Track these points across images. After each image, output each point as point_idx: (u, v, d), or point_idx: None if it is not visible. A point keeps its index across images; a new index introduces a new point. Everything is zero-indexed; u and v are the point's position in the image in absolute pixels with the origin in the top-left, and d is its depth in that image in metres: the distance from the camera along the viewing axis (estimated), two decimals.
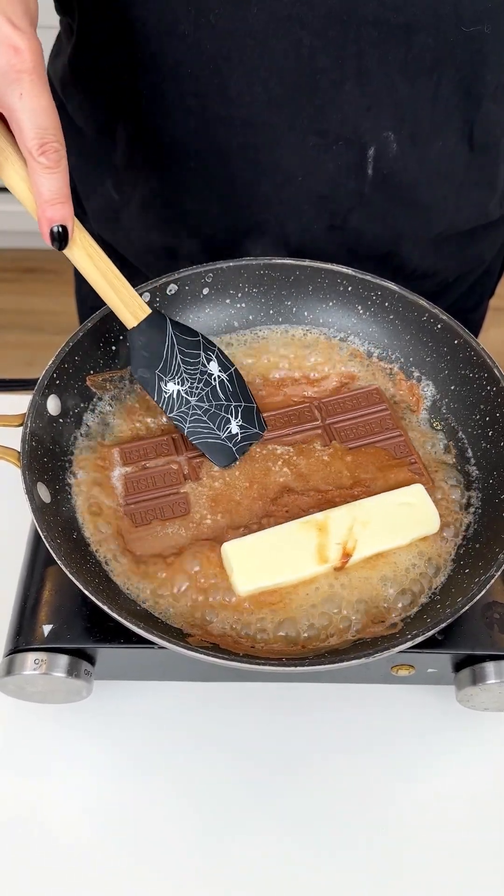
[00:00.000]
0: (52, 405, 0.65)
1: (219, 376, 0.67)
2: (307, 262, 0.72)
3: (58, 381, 0.65)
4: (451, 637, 0.62)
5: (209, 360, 0.67)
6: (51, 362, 0.65)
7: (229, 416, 0.67)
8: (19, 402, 0.66)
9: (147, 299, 0.71)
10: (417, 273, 0.83)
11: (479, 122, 0.69)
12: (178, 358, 0.66)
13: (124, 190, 0.80)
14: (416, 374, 0.72)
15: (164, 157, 0.73)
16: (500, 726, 0.69)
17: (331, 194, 0.73)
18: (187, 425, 0.66)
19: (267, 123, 0.68)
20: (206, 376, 0.67)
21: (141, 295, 0.70)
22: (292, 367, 0.72)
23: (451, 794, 0.66)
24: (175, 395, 0.66)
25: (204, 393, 0.67)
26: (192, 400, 0.66)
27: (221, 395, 0.67)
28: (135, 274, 0.90)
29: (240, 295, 0.74)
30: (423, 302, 0.70)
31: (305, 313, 0.74)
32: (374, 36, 0.62)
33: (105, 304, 0.67)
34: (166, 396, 0.66)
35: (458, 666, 0.64)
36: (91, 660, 0.63)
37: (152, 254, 0.83)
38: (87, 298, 1.09)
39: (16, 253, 2.27)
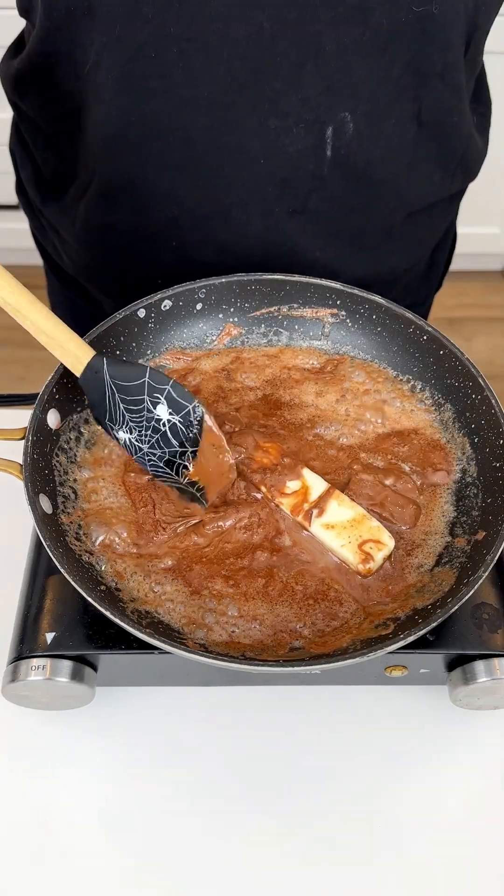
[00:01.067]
0: (52, 419, 0.67)
1: (169, 419, 0.63)
2: (297, 278, 0.75)
3: (57, 396, 0.67)
4: (442, 637, 0.64)
5: (155, 404, 0.63)
6: (50, 377, 0.67)
7: (186, 462, 0.64)
8: (17, 417, 0.68)
9: (142, 315, 0.73)
10: (373, 259, 0.85)
11: (426, 99, 0.73)
12: (121, 406, 0.63)
13: (84, 174, 0.81)
14: (409, 382, 0.74)
15: (129, 140, 0.75)
16: (494, 725, 0.71)
17: (292, 177, 0.75)
18: (150, 470, 0.64)
19: (230, 104, 0.70)
20: (153, 422, 0.64)
21: (136, 311, 0.73)
22: (289, 379, 0.74)
23: (447, 793, 0.68)
24: (128, 443, 0.64)
25: (154, 440, 0.64)
26: (144, 447, 0.64)
27: (174, 440, 0.64)
28: (99, 273, 0.92)
29: (232, 310, 0.76)
30: (409, 314, 0.73)
31: (296, 326, 0.77)
32: (331, 17, 0.65)
33: (96, 316, 0.70)
34: (122, 443, 0.64)
35: (450, 666, 0.66)
36: (93, 666, 0.65)
37: (114, 235, 0.84)
38: (56, 303, 1.11)
39: (9, 270, 2.29)
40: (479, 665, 0.64)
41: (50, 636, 0.64)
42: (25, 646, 0.63)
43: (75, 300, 1.04)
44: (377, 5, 0.65)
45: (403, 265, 0.91)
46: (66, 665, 0.63)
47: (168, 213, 0.80)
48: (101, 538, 0.65)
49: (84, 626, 0.64)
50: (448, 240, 1.02)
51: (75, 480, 0.67)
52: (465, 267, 2.17)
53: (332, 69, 0.68)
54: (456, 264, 1.09)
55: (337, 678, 0.70)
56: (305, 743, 0.70)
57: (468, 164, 0.86)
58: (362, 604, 0.63)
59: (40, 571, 0.67)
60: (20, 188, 1.00)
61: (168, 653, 0.62)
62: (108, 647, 0.63)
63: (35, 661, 0.63)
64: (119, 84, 0.70)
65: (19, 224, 2.09)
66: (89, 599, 0.56)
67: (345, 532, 0.65)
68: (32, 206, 0.98)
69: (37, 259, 1.09)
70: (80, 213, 0.85)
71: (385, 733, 0.70)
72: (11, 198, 1.93)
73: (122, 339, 0.72)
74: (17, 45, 0.85)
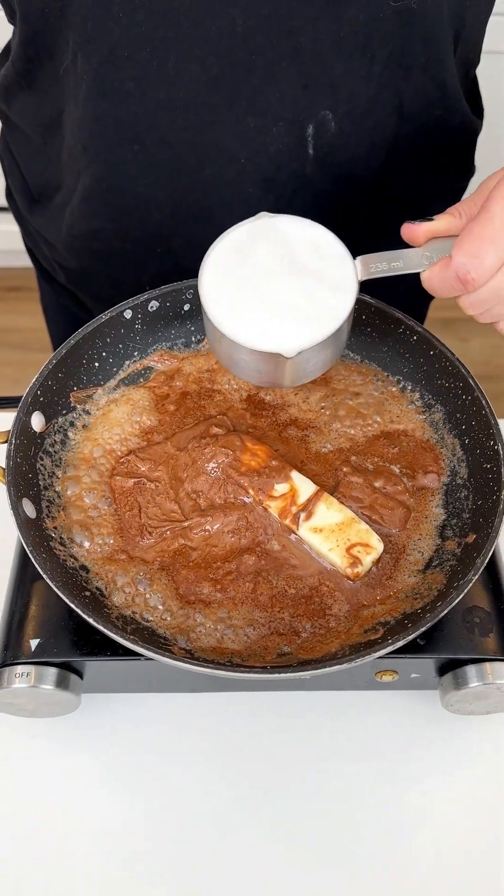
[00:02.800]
0: (37, 421, 0.66)
1: None
2: None
3: (42, 399, 0.66)
4: (433, 641, 0.64)
5: None
6: (34, 379, 0.66)
7: None
8: (4, 420, 0.67)
9: (129, 316, 0.72)
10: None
11: (407, 93, 0.72)
12: None
13: (69, 180, 0.81)
14: (399, 383, 0.73)
15: (107, 144, 0.74)
16: (486, 730, 0.70)
17: (274, 176, 0.74)
18: None
19: (206, 104, 0.69)
20: None
21: (123, 312, 0.72)
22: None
23: (440, 799, 0.67)
24: None
25: None
26: None
27: None
28: (86, 281, 0.91)
29: None
30: (398, 314, 0.72)
31: None
32: (306, 13, 0.64)
33: (87, 321, 0.69)
34: None
35: (442, 670, 0.65)
36: (79, 673, 0.64)
37: (99, 241, 0.83)
38: (48, 308, 1.10)
39: (1, 272, 2.28)
40: (471, 669, 0.63)
41: (34, 643, 0.63)
42: (9, 652, 0.62)
43: (67, 306, 1.03)
44: (354, 1, 0.64)
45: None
46: (52, 672, 0.62)
47: (151, 217, 0.79)
48: (86, 543, 0.64)
49: (69, 632, 0.63)
50: None
51: (60, 484, 0.66)
52: None
53: (309, 66, 0.67)
54: None
55: (327, 683, 0.69)
56: (295, 750, 0.69)
57: (456, 159, 0.85)
58: (351, 608, 0.62)
59: (26, 577, 0.66)
60: (9, 194, 0.99)
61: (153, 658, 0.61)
62: (94, 653, 0.62)
63: (19, 668, 0.62)
64: (93, 87, 0.69)
65: (12, 226, 2.09)
66: (72, 605, 0.56)
67: (333, 535, 0.64)
68: (21, 213, 0.97)
69: (26, 261, 1.08)
70: (66, 219, 0.84)
71: (376, 739, 0.69)
72: (3, 201, 1.93)
73: (108, 340, 0.72)
74: (5, 54, 0.84)
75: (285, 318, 0.57)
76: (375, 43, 0.67)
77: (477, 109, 0.88)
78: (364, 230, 0.83)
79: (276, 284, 0.58)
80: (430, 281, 0.56)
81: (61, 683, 0.62)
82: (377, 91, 0.70)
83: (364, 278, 0.57)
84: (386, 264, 0.57)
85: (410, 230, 0.57)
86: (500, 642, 0.64)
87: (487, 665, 0.63)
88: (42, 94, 0.76)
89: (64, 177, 0.82)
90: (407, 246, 0.58)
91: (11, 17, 0.75)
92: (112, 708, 0.70)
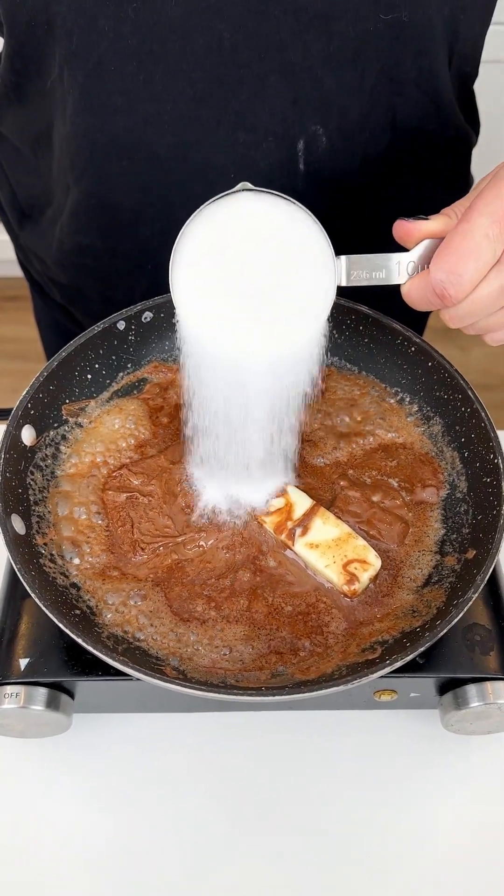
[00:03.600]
0: (27, 435, 0.65)
1: None
2: None
3: (33, 412, 0.65)
4: (432, 660, 0.62)
5: None
6: (25, 392, 0.65)
7: None
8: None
9: (122, 327, 0.71)
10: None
11: (401, 107, 0.70)
12: None
13: (59, 195, 0.80)
14: (397, 395, 0.72)
15: (95, 159, 0.73)
16: (486, 750, 0.68)
17: None
18: None
19: (195, 118, 0.68)
20: None
21: (116, 323, 0.71)
22: None
23: (441, 821, 0.65)
24: None
25: None
26: None
27: None
28: (77, 296, 0.90)
29: None
30: (396, 325, 0.70)
31: None
32: (294, 27, 0.63)
33: (79, 332, 0.68)
34: None
35: (442, 689, 0.63)
36: (70, 693, 0.63)
37: (89, 257, 0.82)
38: (41, 321, 1.09)
39: None
40: (472, 689, 0.61)
41: (24, 662, 0.61)
42: None
43: (60, 321, 1.02)
44: (342, 14, 0.63)
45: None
46: (42, 692, 0.61)
47: (140, 233, 0.78)
48: (77, 560, 0.63)
49: (60, 651, 0.62)
50: None
51: (51, 499, 0.65)
52: None
53: (298, 81, 0.66)
54: None
55: (324, 703, 0.67)
56: (292, 771, 0.67)
57: (451, 174, 0.84)
58: (348, 626, 0.61)
59: (16, 594, 0.65)
60: (0, 208, 0.98)
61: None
62: (85, 673, 0.61)
63: (8, 689, 0.60)
64: (81, 101, 0.69)
65: (5, 236, 2.09)
66: (61, 626, 0.54)
67: (329, 552, 0.62)
68: (12, 228, 0.96)
69: (20, 271, 1.07)
70: (56, 235, 0.83)
71: (375, 760, 0.68)
72: None
73: (101, 351, 0.70)
74: None
75: (255, 328, 0.54)
76: (366, 57, 0.66)
77: (473, 122, 0.87)
78: (358, 245, 0.82)
79: (249, 289, 0.54)
80: (409, 294, 0.55)
81: (52, 704, 0.61)
82: (369, 105, 0.69)
83: (344, 285, 0.55)
84: (367, 273, 0.55)
85: (404, 229, 0.55)
86: (501, 661, 0.62)
87: (488, 684, 0.61)
88: (31, 107, 0.75)
89: (54, 192, 0.81)
90: (399, 248, 0.55)
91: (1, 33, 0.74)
92: (104, 728, 0.68)
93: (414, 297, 0.54)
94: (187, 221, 0.55)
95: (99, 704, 0.66)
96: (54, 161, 0.77)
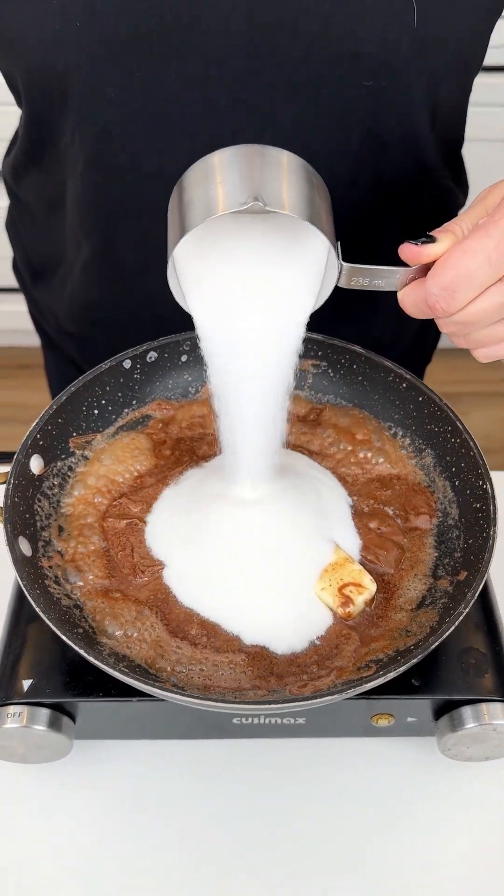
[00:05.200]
0: (35, 464, 0.68)
1: None
2: None
3: (41, 442, 0.68)
4: (428, 683, 0.63)
5: None
6: (35, 423, 0.68)
7: None
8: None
9: (128, 365, 0.75)
10: (357, 332, 0.85)
11: (387, 168, 0.74)
12: None
13: (70, 253, 0.84)
14: (391, 430, 0.75)
15: (103, 216, 0.77)
16: (485, 778, 0.68)
17: None
18: None
19: None
20: None
21: (122, 361, 0.74)
22: None
23: (441, 851, 0.65)
24: None
25: None
26: None
27: None
28: (87, 345, 0.94)
29: None
30: (388, 363, 0.74)
31: None
32: (283, 93, 0.67)
33: (84, 373, 0.71)
34: None
35: (438, 713, 0.64)
36: (71, 716, 0.64)
37: (98, 311, 0.86)
38: (52, 376, 1.13)
39: (11, 350, 2.35)
40: (467, 711, 0.62)
41: (27, 683, 0.63)
42: (2, 692, 0.62)
43: (71, 375, 1.06)
44: (327, 81, 0.67)
45: (389, 337, 0.92)
46: (44, 713, 0.62)
47: (145, 287, 0.81)
48: (80, 582, 0.65)
49: (62, 673, 0.63)
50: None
51: (56, 526, 0.67)
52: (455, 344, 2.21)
53: (289, 142, 0.69)
54: (447, 341, 1.09)
55: (322, 729, 0.68)
56: (292, 800, 0.67)
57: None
58: (343, 647, 0.62)
59: (21, 618, 0.66)
60: (15, 266, 1.03)
61: (145, 699, 0.61)
62: (86, 694, 0.62)
63: (11, 709, 0.62)
64: (90, 162, 0.73)
65: (22, 306, 2.16)
66: (65, 639, 0.56)
67: (326, 575, 0.64)
68: (26, 285, 1.01)
69: (35, 340, 1.12)
70: (67, 291, 0.88)
71: (374, 789, 0.68)
72: (9, 281, 2.00)
73: (107, 388, 0.74)
74: (15, 139, 0.90)
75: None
76: (352, 120, 0.70)
77: (460, 183, 0.91)
78: (353, 301, 0.85)
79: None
80: (403, 301, 0.56)
81: (53, 725, 0.62)
82: (356, 167, 0.73)
83: (343, 286, 0.57)
84: (368, 280, 0.57)
85: (412, 252, 0.55)
86: (496, 683, 0.63)
87: (484, 706, 0.62)
88: (47, 171, 0.80)
89: (66, 251, 0.86)
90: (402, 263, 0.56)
91: (19, 101, 0.80)
92: (104, 756, 0.69)
93: (407, 303, 0.56)
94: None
95: (99, 729, 0.66)
96: (67, 221, 0.82)
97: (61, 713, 0.63)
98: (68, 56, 0.65)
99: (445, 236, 0.54)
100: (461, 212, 0.56)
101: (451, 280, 0.52)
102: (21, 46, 0.66)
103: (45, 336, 1.06)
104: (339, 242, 0.56)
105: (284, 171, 0.53)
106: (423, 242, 0.54)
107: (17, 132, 0.86)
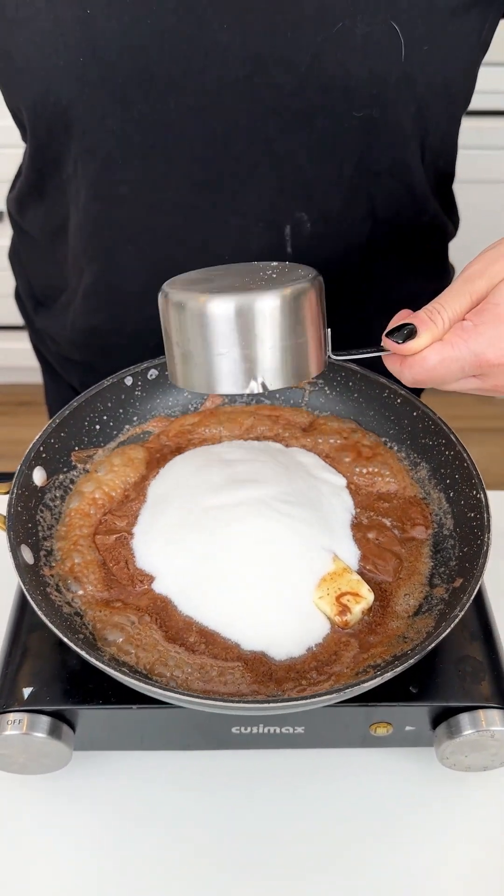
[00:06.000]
0: (38, 476, 0.69)
1: None
2: None
3: (44, 455, 0.70)
4: (425, 690, 0.64)
5: None
6: (38, 436, 0.70)
7: None
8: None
9: (129, 382, 0.77)
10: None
11: (378, 197, 0.77)
12: None
13: (73, 281, 0.87)
14: (386, 445, 0.77)
15: (104, 244, 0.80)
16: (484, 789, 0.68)
17: None
18: None
19: (192, 206, 0.75)
20: None
21: (124, 378, 0.76)
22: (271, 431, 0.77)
23: (440, 860, 0.65)
24: None
25: None
26: None
27: None
28: (88, 370, 0.97)
29: None
30: (383, 379, 0.76)
31: (277, 395, 0.80)
32: (279, 123, 0.70)
33: (79, 376, 0.73)
34: None
35: (435, 722, 0.65)
36: (71, 724, 0.64)
37: (98, 337, 0.88)
38: (52, 406, 1.15)
39: (10, 388, 2.38)
40: (464, 717, 0.63)
41: (27, 691, 0.63)
42: (2, 700, 0.63)
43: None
44: (320, 111, 0.69)
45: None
46: (44, 720, 0.62)
47: (145, 312, 0.83)
48: (80, 591, 0.65)
49: (62, 681, 0.64)
50: None
51: (57, 536, 0.68)
52: None
53: (284, 171, 0.73)
54: None
55: (321, 740, 0.68)
56: (291, 812, 0.67)
57: (431, 258, 0.90)
58: (342, 654, 0.63)
59: (22, 627, 0.67)
60: (17, 296, 1.06)
61: (145, 706, 0.61)
62: (86, 701, 0.62)
63: (12, 716, 0.62)
64: (92, 192, 0.76)
65: (21, 344, 2.19)
66: (66, 640, 0.56)
67: (324, 585, 0.65)
68: (28, 313, 1.04)
69: (34, 377, 1.14)
70: (69, 317, 0.90)
71: (373, 801, 0.68)
72: (8, 318, 2.03)
73: (109, 404, 0.76)
74: (20, 173, 0.93)
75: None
76: (344, 150, 0.72)
77: (451, 214, 0.94)
78: (346, 324, 0.87)
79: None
80: (385, 360, 0.59)
81: (53, 732, 0.62)
82: (349, 195, 0.76)
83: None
84: (352, 353, 0.60)
85: (393, 347, 0.56)
86: (493, 690, 0.64)
87: (481, 712, 0.63)
88: (50, 202, 0.83)
89: (68, 279, 0.88)
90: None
91: (24, 135, 0.84)
92: (102, 768, 0.69)
93: (386, 365, 0.59)
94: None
95: (98, 738, 0.66)
96: (69, 249, 0.85)
97: (61, 721, 0.63)
98: (71, 89, 0.68)
99: (426, 332, 0.55)
100: (445, 289, 0.57)
101: (423, 379, 0.55)
102: (27, 79, 0.69)
103: (46, 364, 1.08)
104: (329, 330, 0.59)
105: (279, 332, 0.55)
106: (404, 338, 0.55)
107: (20, 168, 0.90)
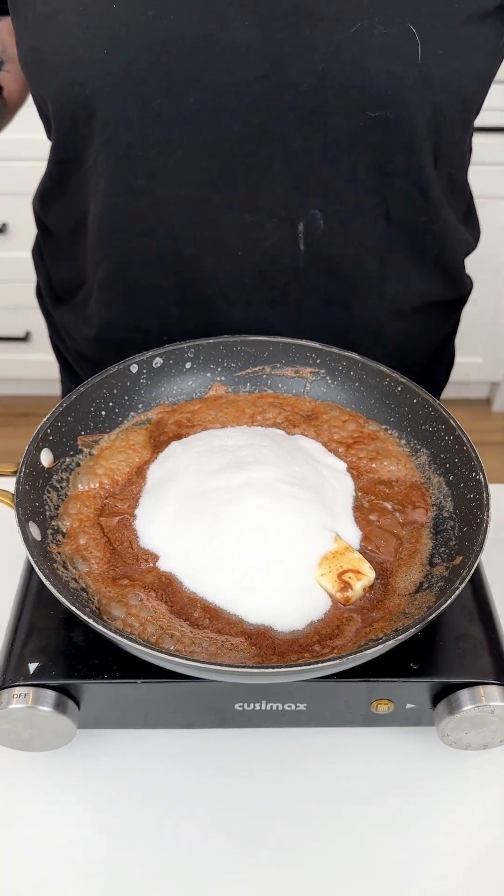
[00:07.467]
0: (45, 457, 0.70)
1: None
2: (279, 339, 0.80)
3: (51, 437, 0.71)
4: (426, 667, 0.64)
5: None
6: (46, 418, 0.71)
7: None
8: (10, 457, 0.71)
9: (135, 370, 0.78)
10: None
11: (393, 199, 0.78)
12: None
13: (90, 275, 0.88)
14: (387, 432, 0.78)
15: (121, 236, 0.81)
16: (483, 767, 0.69)
17: (268, 269, 0.81)
18: None
19: (207, 201, 0.77)
20: None
21: (129, 366, 0.78)
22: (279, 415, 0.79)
23: (442, 839, 0.65)
24: None
25: None
26: None
27: None
28: (98, 363, 0.98)
29: (219, 369, 0.81)
30: (383, 368, 0.78)
31: (280, 385, 0.82)
32: (294, 121, 0.71)
33: (95, 374, 0.75)
34: None
35: (436, 699, 0.65)
36: (76, 700, 0.65)
37: (112, 332, 0.90)
38: None
39: (8, 399, 2.39)
40: (464, 693, 0.63)
41: (33, 666, 0.64)
42: (8, 675, 0.63)
43: None
44: (336, 111, 0.71)
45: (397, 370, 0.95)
46: (49, 695, 0.63)
47: (158, 305, 0.86)
48: (85, 569, 0.66)
49: (67, 656, 0.64)
50: (444, 357, 1.04)
51: (63, 517, 0.69)
52: (451, 395, 2.26)
53: (299, 169, 0.75)
54: (449, 391, 1.12)
55: (322, 718, 0.68)
56: (292, 790, 0.68)
57: (446, 266, 0.90)
58: (345, 628, 0.64)
59: (28, 603, 0.68)
60: (38, 293, 1.08)
61: (150, 681, 0.62)
62: (91, 675, 0.63)
63: (17, 690, 0.62)
64: (111, 184, 0.78)
65: (21, 355, 2.20)
66: (74, 610, 0.57)
67: (326, 563, 0.66)
68: (48, 309, 1.06)
69: (49, 389, 1.15)
70: (86, 313, 0.92)
71: (374, 780, 0.68)
72: (8, 330, 2.05)
73: (114, 391, 0.77)
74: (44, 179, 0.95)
75: None
76: (358, 149, 0.74)
77: (471, 227, 0.94)
78: (359, 327, 0.89)
79: None
80: None
81: (58, 706, 0.63)
82: (363, 195, 0.77)
83: None
84: None
85: None
86: (492, 667, 0.65)
87: (481, 688, 0.63)
88: (72, 197, 0.85)
89: (86, 274, 0.90)
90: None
91: (48, 128, 0.86)
92: (106, 748, 0.69)
93: None
94: None
95: (103, 716, 0.67)
96: (87, 243, 0.87)
97: (66, 696, 0.64)
98: (94, 81, 0.71)
99: None
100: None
101: None
102: (53, 70, 0.72)
103: (64, 362, 1.09)
104: None
105: None
106: None
107: (45, 172, 0.92)
